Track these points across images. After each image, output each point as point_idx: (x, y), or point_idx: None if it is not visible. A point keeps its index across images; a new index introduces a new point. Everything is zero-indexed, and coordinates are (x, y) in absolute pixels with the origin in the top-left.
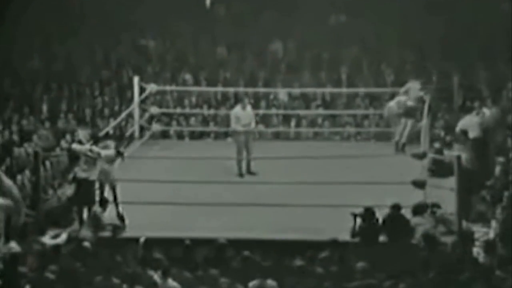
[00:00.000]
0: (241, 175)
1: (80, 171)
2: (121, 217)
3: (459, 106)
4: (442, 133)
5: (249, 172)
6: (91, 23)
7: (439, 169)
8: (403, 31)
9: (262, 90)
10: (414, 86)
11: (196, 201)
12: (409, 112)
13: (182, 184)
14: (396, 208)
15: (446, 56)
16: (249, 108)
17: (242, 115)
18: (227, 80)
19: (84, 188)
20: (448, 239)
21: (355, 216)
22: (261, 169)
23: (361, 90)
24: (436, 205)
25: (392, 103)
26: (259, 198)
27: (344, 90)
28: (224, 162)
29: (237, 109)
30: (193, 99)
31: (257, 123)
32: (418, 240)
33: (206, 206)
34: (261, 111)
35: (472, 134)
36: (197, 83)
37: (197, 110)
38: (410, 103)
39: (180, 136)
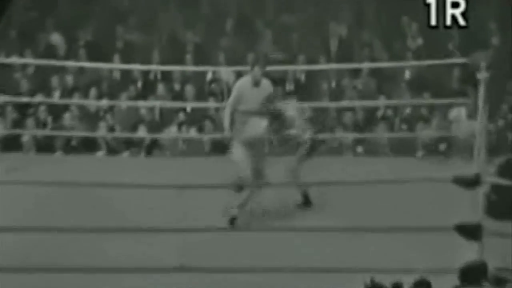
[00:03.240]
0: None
1: None
2: None
3: None
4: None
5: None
6: None
7: (504, 204)
8: None
9: (191, 68)
10: None
11: (76, 265)
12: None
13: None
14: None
15: None
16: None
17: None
18: (130, 47)
19: None
20: None
21: None
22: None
23: (365, 65)
24: (504, 268)
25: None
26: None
27: (333, 66)
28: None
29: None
30: (68, 80)
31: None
32: None
33: (94, 273)
34: (189, 105)
35: None
36: (74, 51)
37: (75, 100)
38: None
39: (42, 146)
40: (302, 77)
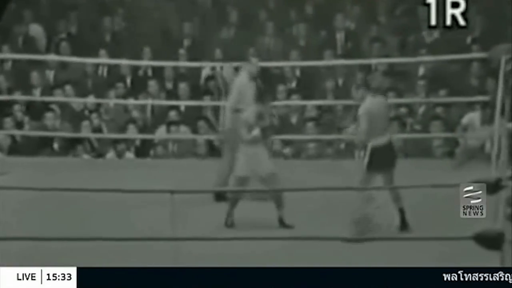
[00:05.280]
0: None
1: None
2: None
3: None
4: None
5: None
6: None
7: None
8: None
9: (185, 64)
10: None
11: None
12: None
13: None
14: None
15: None
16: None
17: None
18: (117, 40)
19: None
20: None
21: None
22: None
23: (375, 61)
24: None
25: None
26: None
27: (341, 62)
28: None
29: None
30: (49, 75)
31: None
32: None
33: None
34: (183, 103)
35: None
36: (55, 44)
37: (58, 98)
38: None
39: (18, 148)
40: (297, 73)
